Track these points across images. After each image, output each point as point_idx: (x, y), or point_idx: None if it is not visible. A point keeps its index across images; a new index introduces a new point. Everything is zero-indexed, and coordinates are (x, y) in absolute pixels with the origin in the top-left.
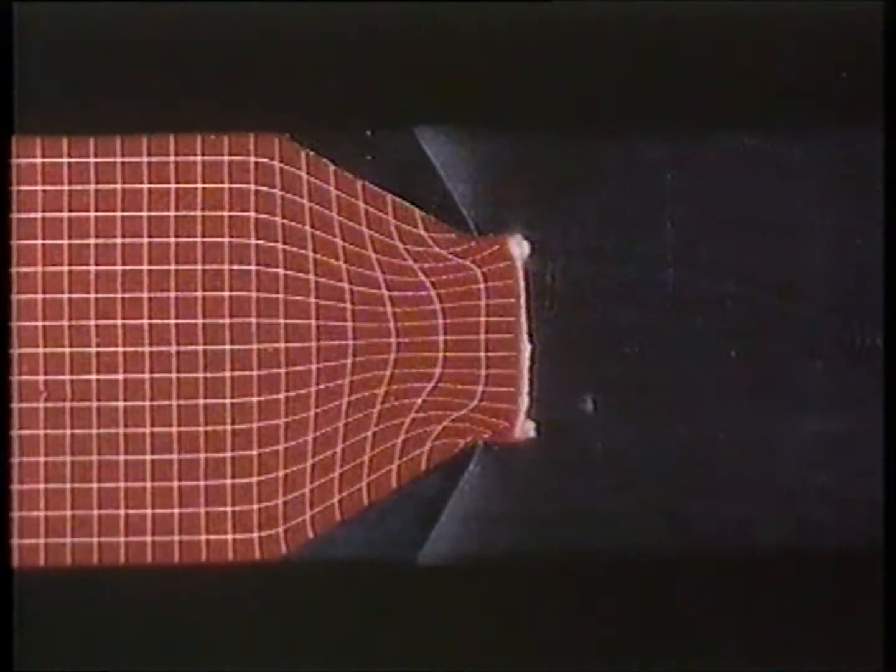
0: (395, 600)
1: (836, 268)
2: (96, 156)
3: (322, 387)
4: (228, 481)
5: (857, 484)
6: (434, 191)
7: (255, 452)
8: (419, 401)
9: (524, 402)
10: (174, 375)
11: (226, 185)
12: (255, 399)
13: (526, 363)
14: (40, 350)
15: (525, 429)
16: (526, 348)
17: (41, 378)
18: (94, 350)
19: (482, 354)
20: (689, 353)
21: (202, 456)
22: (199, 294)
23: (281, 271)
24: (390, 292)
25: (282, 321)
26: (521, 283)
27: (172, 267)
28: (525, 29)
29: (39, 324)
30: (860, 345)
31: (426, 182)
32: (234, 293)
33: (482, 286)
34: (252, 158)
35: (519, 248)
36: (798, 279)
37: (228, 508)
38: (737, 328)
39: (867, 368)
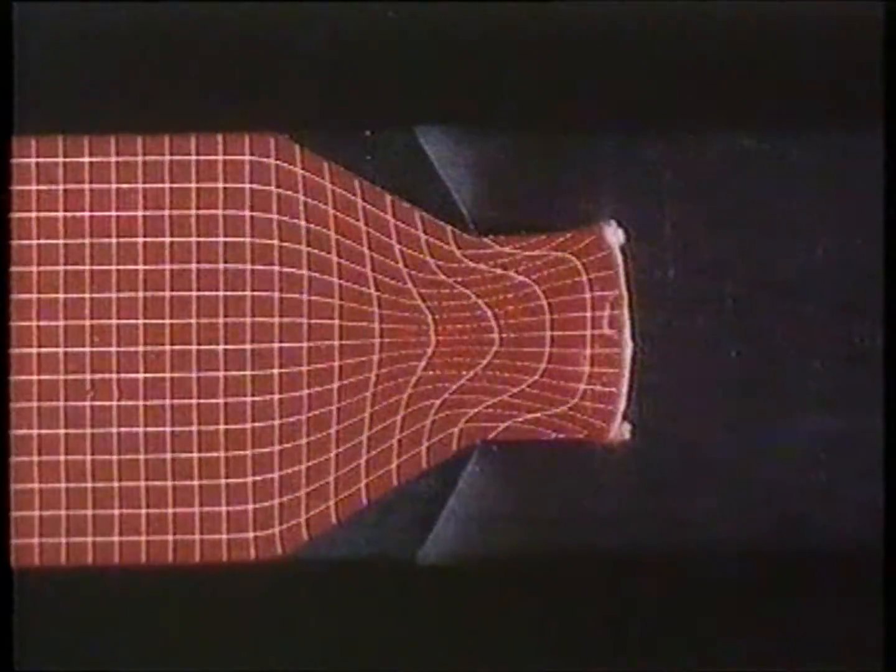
0: (394, 600)
1: (836, 268)
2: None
3: (383, 370)
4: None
5: (856, 484)
6: (434, 191)
7: (305, 440)
8: (517, 389)
9: (623, 402)
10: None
11: (273, 188)
12: (304, 392)
13: (628, 362)
14: (88, 349)
15: (621, 430)
16: (628, 345)
17: (88, 377)
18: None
19: (587, 351)
20: (689, 352)
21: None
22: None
23: (335, 279)
24: (482, 299)
25: (336, 322)
26: (622, 274)
27: (221, 266)
28: (525, 29)
29: (88, 322)
30: (860, 345)
31: (426, 182)
32: (285, 295)
33: (584, 279)
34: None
35: (615, 235)
36: (798, 279)
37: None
38: (737, 328)
39: (867, 368)
